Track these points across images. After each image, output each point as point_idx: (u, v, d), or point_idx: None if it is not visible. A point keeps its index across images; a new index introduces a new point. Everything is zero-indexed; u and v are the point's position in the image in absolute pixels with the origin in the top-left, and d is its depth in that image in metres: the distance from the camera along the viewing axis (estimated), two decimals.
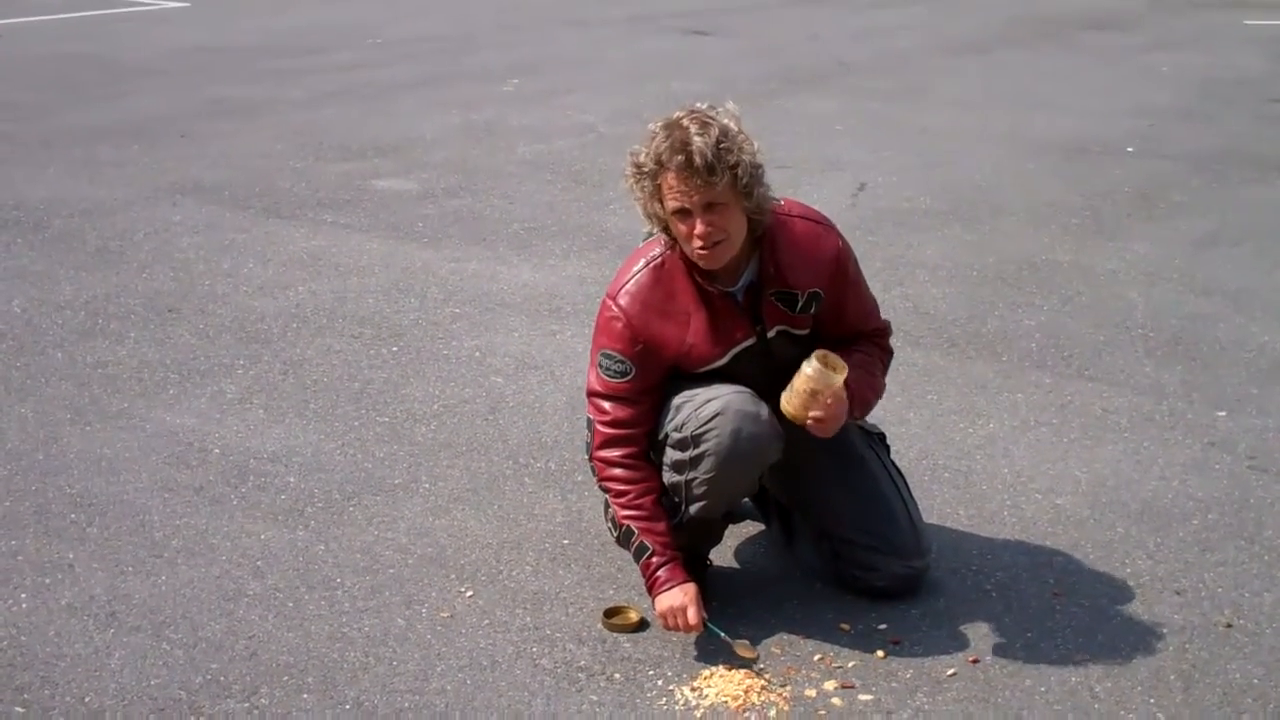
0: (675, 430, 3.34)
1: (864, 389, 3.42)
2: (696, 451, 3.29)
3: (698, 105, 3.26)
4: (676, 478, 3.36)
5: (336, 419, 4.61)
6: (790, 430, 3.35)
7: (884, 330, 3.59)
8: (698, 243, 3.21)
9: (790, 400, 3.25)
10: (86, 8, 14.30)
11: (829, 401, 3.24)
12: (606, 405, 3.39)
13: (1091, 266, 6.27)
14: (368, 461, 4.31)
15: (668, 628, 3.33)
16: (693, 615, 3.28)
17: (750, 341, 3.37)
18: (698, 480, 3.33)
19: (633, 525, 3.36)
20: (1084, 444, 4.48)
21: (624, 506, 3.38)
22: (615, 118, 9.28)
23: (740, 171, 3.17)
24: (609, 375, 3.37)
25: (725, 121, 3.21)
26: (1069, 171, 8.02)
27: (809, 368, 3.22)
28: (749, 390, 3.34)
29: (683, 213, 3.20)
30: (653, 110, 9.12)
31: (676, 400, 3.36)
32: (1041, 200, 7.38)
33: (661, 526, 3.36)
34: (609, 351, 3.37)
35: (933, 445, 4.45)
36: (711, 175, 3.14)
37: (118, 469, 4.22)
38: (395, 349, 5.22)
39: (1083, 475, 4.26)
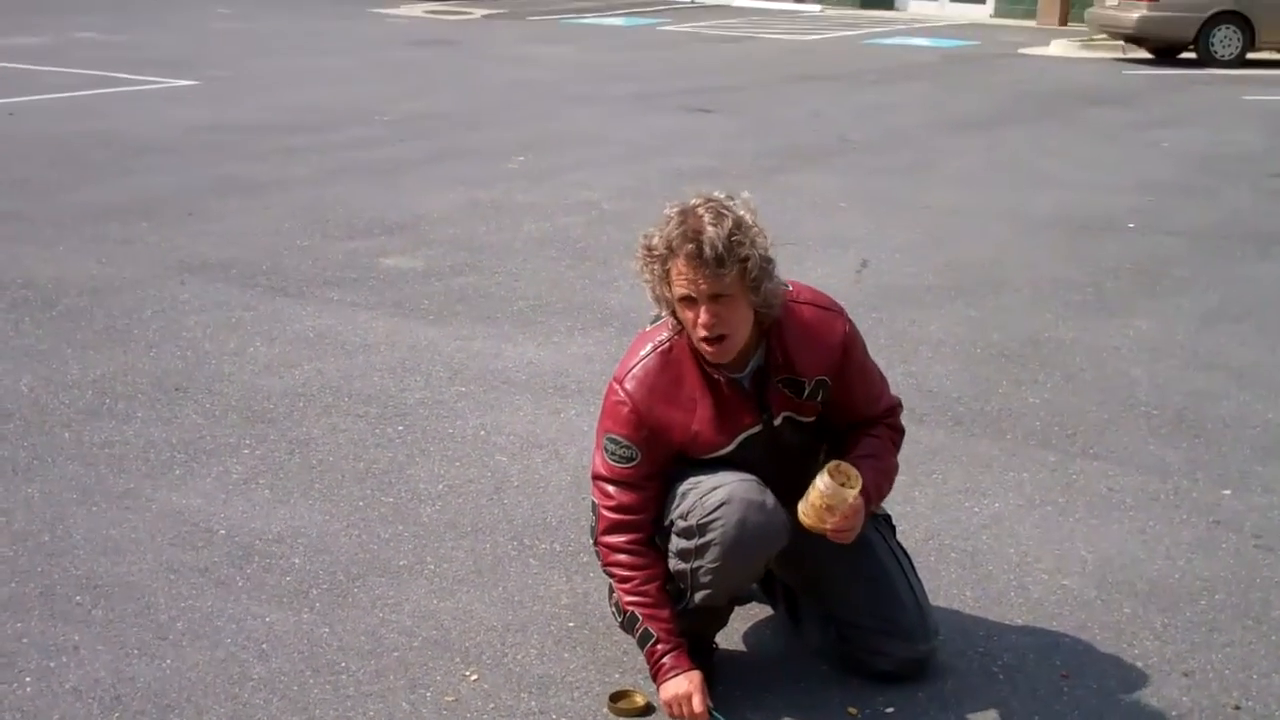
0: (680, 518, 3.33)
1: (879, 480, 3.44)
2: (702, 540, 3.29)
3: (715, 194, 3.28)
4: (682, 565, 3.36)
5: (342, 499, 4.61)
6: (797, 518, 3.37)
7: (894, 409, 3.59)
8: (701, 332, 3.22)
9: (806, 513, 3.28)
10: (97, 86, 14.42)
11: (845, 515, 3.26)
12: (611, 490, 3.39)
13: (1094, 343, 6.29)
14: (373, 543, 4.31)
15: (672, 716, 3.31)
16: (698, 704, 3.27)
17: (757, 429, 3.38)
18: (703, 569, 3.32)
19: (637, 611, 3.36)
20: (1090, 523, 4.48)
21: (628, 592, 3.37)
22: (619, 194, 9.34)
23: (750, 265, 3.18)
24: (614, 460, 3.38)
25: (740, 213, 3.22)
26: (1071, 248, 8.06)
27: (821, 483, 3.24)
28: (755, 478, 3.33)
29: (689, 300, 3.22)
30: (657, 187, 9.25)
31: (682, 488, 3.37)
32: (1044, 277, 7.41)
33: (666, 613, 3.36)
34: (615, 436, 3.37)
35: (939, 525, 4.45)
36: (720, 267, 3.15)
37: (124, 550, 4.22)
38: (400, 428, 5.23)
39: (1089, 555, 4.26)
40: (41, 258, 7.57)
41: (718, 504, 3.27)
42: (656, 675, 3.34)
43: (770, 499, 3.30)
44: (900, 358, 5.98)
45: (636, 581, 3.37)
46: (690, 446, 3.37)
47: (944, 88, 14.82)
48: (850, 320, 3.46)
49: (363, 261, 7.62)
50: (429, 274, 7.41)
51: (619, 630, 3.58)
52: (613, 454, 3.38)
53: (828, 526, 3.27)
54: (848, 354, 3.42)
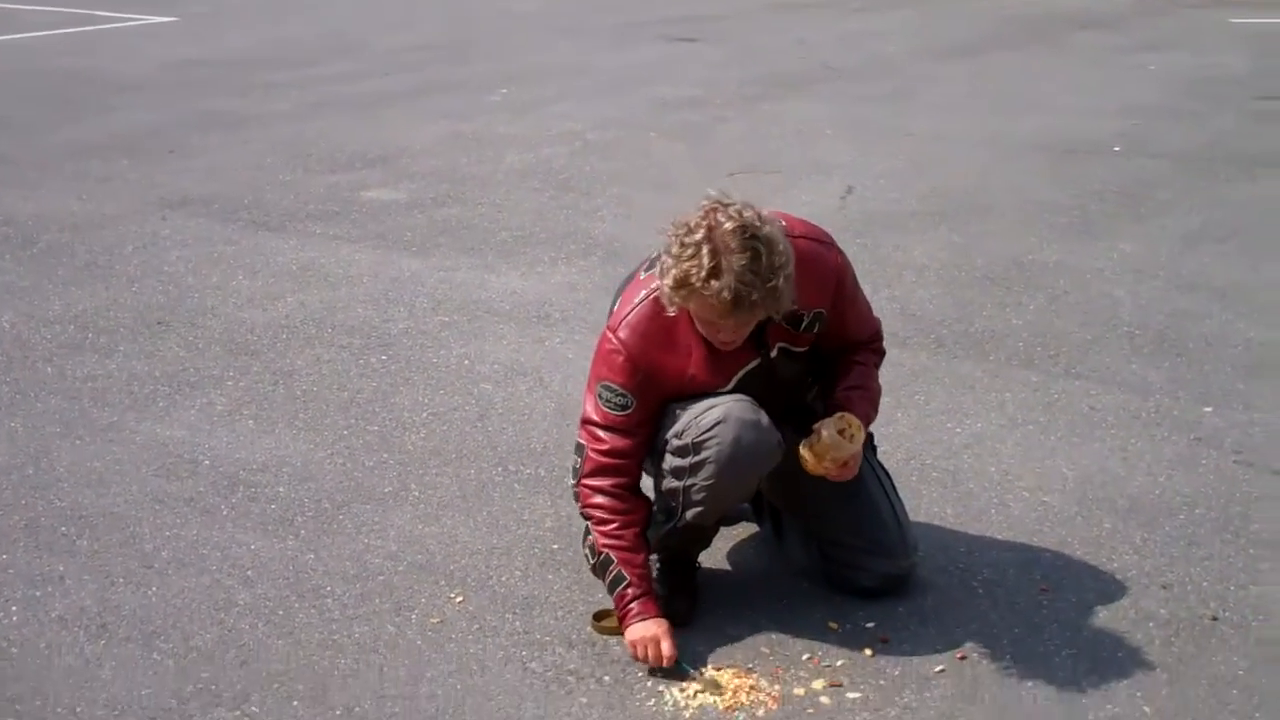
0: (675, 437, 3.32)
1: (869, 411, 3.47)
2: (697, 459, 3.28)
3: (742, 212, 3.08)
4: (675, 483, 3.35)
5: (326, 429, 4.62)
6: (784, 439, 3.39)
7: (878, 333, 3.59)
8: (719, 344, 3.24)
9: (808, 459, 3.31)
10: (75, 24, 14.31)
11: (846, 463, 3.32)
12: (603, 434, 3.37)
13: (1078, 265, 6.29)
14: (357, 470, 4.32)
15: (637, 658, 3.30)
16: (667, 648, 3.25)
17: (755, 363, 3.36)
18: (696, 486, 3.32)
19: (612, 554, 3.36)
20: (1071, 441, 4.50)
21: (606, 535, 3.37)
22: (603, 125, 9.29)
23: (778, 298, 3.08)
24: (608, 407, 3.35)
25: (768, 230, 3.06)
26: (1056, 171, 8.04)
27: (828, 435, 3.28)
28: (749, 398, 3.33)
29: (711, 324, 3.18)
30: (641, 117, 9.22)
31: (676, 407, 3.36)
32: (1028, 200, 7.40)
33: (641, 559, 3.36)
34: (609, 384, 3.35)
35: (920, 445, 4.47)
36: (751, 312, 3.09)
37: (108, 482, 4.23)
38: (384, 358, 5.23)
39: (1070, 472, 4.28)
40: (22, 195, 7.54)
41: (713, 423, 3.26)
42: (624, 619, 3.33)
43: (764, 418, 3.29)
44: (884, 282, 5.98)
45: (615, 525, 3.37)
46: (685, 390, 3.35)
47: (929, 14, 14.72)
48: (841, 251, 3.44)
49: (345, 195, 7.60)
50: (411, 206, 7.39)
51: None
52: (607, 401, 3.35)
53: (829, 472, 3.33)
54: (841, 285, 3.41)
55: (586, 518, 3.43)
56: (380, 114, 9.85)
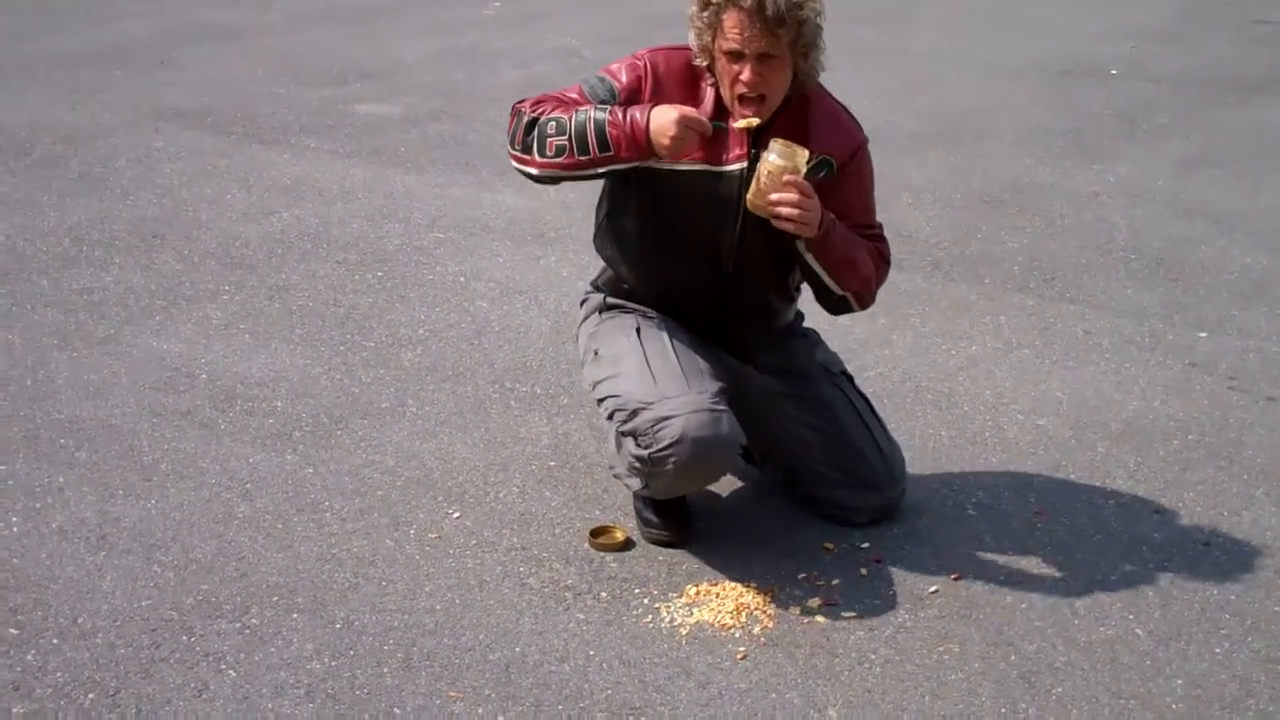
0: (630, 437, 3.24)
1: (846, 244, 3.30)
2: (655, 469, 3.23)
3: None
4: (635, 475, 3.32)
5: (322, 344, 4.62)
6: (757, 385, 3.41)
7: (881, 238, 3.49)
8: (741, 89, 3.14)
9: (756, 194, 3.12)
10: None
11: (792, 180, 3.08)
12: (567, 95, 3.28)
13: (1075, 189, 6.28)
14: (354, 386, 4.32)
15: (677, 145, 3.10)
16: (691, 112, 3.11)
17: (738, 167, 3.24)
18: (656, 484, 3.31)
19: (580, 111, 3.17)
20: (1066, 365, 4.52)
21: (564, 112, 3.20)
22: (598, 41, 9.23)
23: (806, 30, 3.11)
24: (591, 93, 3.25)
25: None
26: (1052, 94, 8.02)
27: (771, 154, 3.09)
28: (706, 391, 3.24)
29: (735, 55, 3.13)
30: (635, 32, 9.11)
31: (627, 389, 3.27)
32: (1025, 123, 7.38)
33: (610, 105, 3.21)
34: (607, 79, 3.27)
35: (915, 367, 4.48)
36: (779, 27, 3.07)
37: (105, 394, 4.24)
38: (380, 274, 5.22)
39: (1064, 396, 4.30)
40: (13, 105, 7.47)
41: (671, 441, 3.17)
42: (634, 133, 3.12)
43: (724, 420, 3.20)
44: (880, 204, 5.89)
45: (572, 106, 3.22)
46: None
47: None
48: (869, 150, 3.42)
49: (339, 109, 7.55)
50: (406, 121, 7.34)
51: (600, 470, 3.65)
52: (592, 87, 3.27)
53: (776, 201, 3.08)
54: (858, 161, 3.35)
55: (531, 125, 3.23)
56: (373, 27, 9.76)
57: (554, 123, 3.21)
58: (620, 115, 3.14)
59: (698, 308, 3.46)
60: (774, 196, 3.09)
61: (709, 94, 3.26)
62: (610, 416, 3.34)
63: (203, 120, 7.25)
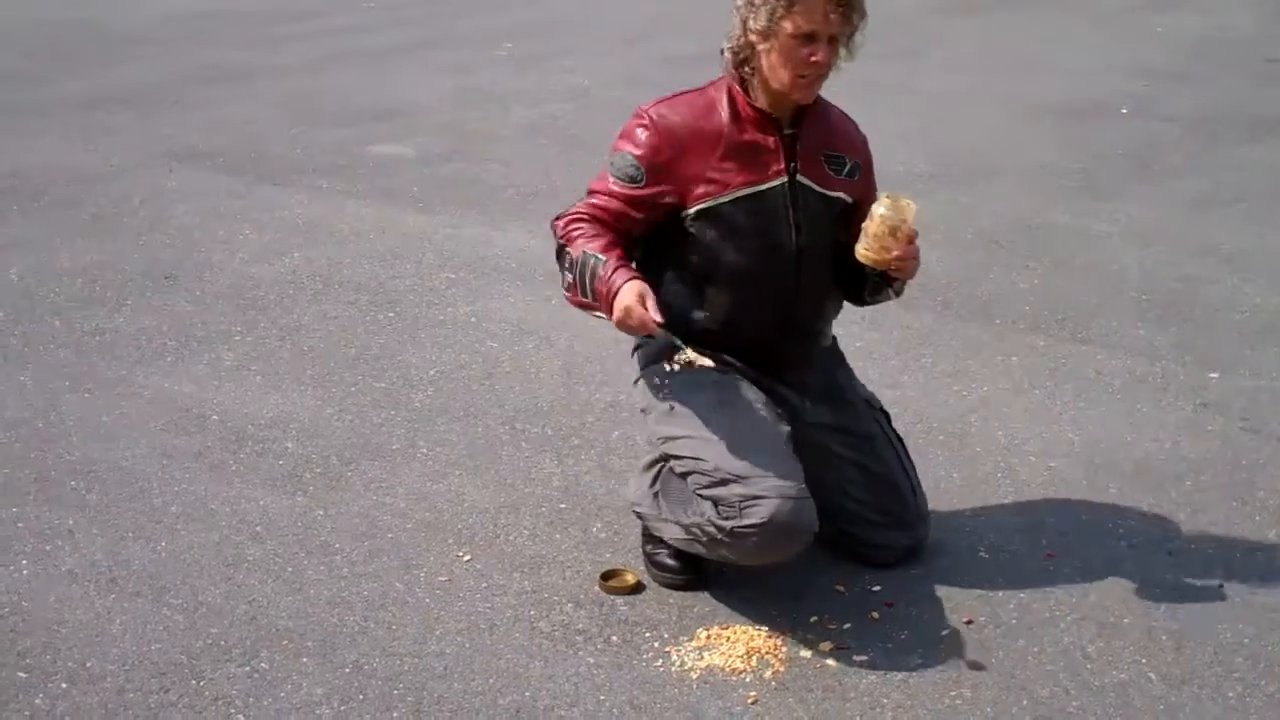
0: (712, 505, 3.22)
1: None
2: (732, 540, 3.21)
3: None
4: (697, 535, 3.30)
5: (333, 385, 4.62)
6: (810, 419, 3.44)
7: None
8: (811, 70, 3.24)
9: (869, 246, 3.23)
10: None
11: (907, 235, 3.24)
12: (599, 200, 3.33)
13: (1086, 229, 6.28)
14: (365, 427, 4.33)
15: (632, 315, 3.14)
16: (651, 308, 3.14)
17: (780, 181, 3.33)
18: (715, 551, 3.29)
19: (586, 248, 3.25)
20: (1077, 406, 4.51)
21: (585, 240, 3.27)
22: (610, 81, 9.26)
23: (864, 19, 3.29)
24: (617, 174, 3.31)
25: None
26: (1063, 133, 8.02)
27: (880, 207, 3.22)
28: (794, 476, 3.21)
29: (810, 38, 3.21)
30: (648, 72, 9.14)
31: (711, 453, 3.24)
32: (1036, 162, 7.39)
33: (618, 253, 3.25)
34: (626, 153, 3.31)
35: (927, 409, 4.47)
36: (853, 10, 3.24)
37: (116, 436, 4.24)
38: (391, 315, 5.23)
39: (1076, 437, 4.29)
40: (27, 147, 7.52)
41: (758, 522, 3.15)
42: (609, 297, 3.17)
43: (807, 509, 3.20)
44: None
45: (592, 235, 3.28)
46: (707, 176, 3.28)
47: None
48: None
49: (351, 149, 7.58)
50: (418, 162, 7.37)
51: (610, 511, 3.64)
52: (618, 169, 3.31)
53: (891, 255, 3.23)
54: (868, 156, 3.53)
55: (565, 241, 3.30)
56: (385, 68, 9.81)
57: (568, 257, 3.29)
58: (608, 272, 3.19)
59: (760, 324, 3.42)
60: (897, 253, 3.24)
61: (723, 114, 3.32)
62: (685, 476, 3.31)
63: (215, 161, 7.29)
